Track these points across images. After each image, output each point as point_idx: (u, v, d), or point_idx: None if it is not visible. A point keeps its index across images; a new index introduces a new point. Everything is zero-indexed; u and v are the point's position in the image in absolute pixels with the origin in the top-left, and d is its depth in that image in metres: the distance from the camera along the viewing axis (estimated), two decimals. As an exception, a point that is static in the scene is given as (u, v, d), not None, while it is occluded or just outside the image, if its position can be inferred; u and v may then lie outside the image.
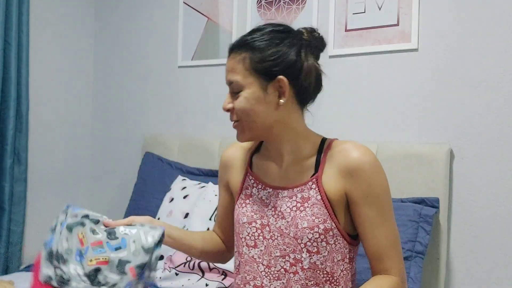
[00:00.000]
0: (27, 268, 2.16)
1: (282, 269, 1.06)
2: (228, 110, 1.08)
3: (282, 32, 1.08)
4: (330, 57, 1.97)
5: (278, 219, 1.08)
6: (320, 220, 1.04)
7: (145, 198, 2.29)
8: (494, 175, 1.62)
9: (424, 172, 1.68)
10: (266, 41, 1.05)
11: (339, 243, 1.06)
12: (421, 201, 1.64)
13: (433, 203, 1.62)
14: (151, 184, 2.32)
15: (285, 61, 1.04)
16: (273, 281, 1.07)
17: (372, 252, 1.06)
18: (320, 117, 2.04)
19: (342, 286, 1.07)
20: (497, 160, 1.62)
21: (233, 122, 1.09)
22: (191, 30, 2.44)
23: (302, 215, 1.05)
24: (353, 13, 1.92)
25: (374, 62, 1.88)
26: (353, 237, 1.10)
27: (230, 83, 1.07)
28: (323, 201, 1.05)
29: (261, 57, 1.04)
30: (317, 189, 1.05)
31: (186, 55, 2.47)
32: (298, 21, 2.07)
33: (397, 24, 1.82)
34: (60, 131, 2.77)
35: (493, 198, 1.62)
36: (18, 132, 2.47)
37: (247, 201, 1.14)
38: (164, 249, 2.00)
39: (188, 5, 2.46)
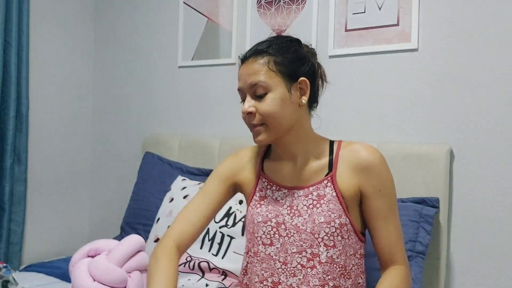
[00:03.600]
0: (27, 268, 2.16)
1: (299, 265, 1.11)
2: (249, 114, 1.11)
3: (293, 41, 1.17)
4: (330, 57, 1.98)
5: (294, 217, 1.13)
6: (336, 215, 1.11)
7: (145, 198, 2.29)
8: (494, 175, 1.63)
9: (424, 172, 1.68)
10: (284, 47, 1.13)
11: (351, 238, 1.13)
12: (421, 201, 1.64)
13: (433, 203, 1.62)
14: (151, 184, 2.32)
15: (306, 64, 1.14)
16: (289, 278, 1.11)
17: (384, 244, 1.14)
18: (320, 117, 2.05)
19: (353, 279, 1.14)
20: (497, 160, 1.62)
21: (254, 126, 1.12)
22: (191, 30, 2.44)
23: (318, 211, 1.11)
24: (353, 13, 1.92)
25: (374, 62, 1.88)
26: (362, 234, 1.18)
27: (253, 85, 1.10)
28: (338, 197, 1.12)
29: (285, 60, 1.11)
30: (332, 186, 1.13)
31: (186, 55, 2.47)
32: (298, 21, 2.07)
33: (397, 24, 1.82)
34: (60, 131, 2.76)
35: (493, 198, 1.63)
36: (18, 132, 2.47)
37: (262, 202, 1.19)
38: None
39: (188, 5, 2.46)
